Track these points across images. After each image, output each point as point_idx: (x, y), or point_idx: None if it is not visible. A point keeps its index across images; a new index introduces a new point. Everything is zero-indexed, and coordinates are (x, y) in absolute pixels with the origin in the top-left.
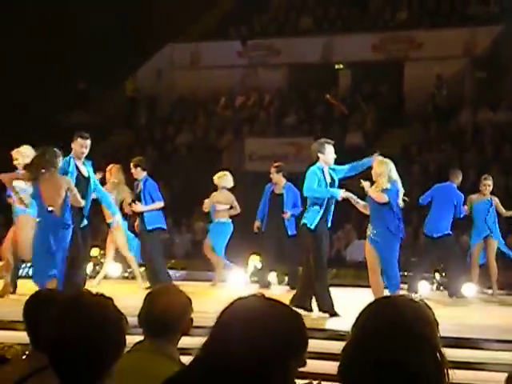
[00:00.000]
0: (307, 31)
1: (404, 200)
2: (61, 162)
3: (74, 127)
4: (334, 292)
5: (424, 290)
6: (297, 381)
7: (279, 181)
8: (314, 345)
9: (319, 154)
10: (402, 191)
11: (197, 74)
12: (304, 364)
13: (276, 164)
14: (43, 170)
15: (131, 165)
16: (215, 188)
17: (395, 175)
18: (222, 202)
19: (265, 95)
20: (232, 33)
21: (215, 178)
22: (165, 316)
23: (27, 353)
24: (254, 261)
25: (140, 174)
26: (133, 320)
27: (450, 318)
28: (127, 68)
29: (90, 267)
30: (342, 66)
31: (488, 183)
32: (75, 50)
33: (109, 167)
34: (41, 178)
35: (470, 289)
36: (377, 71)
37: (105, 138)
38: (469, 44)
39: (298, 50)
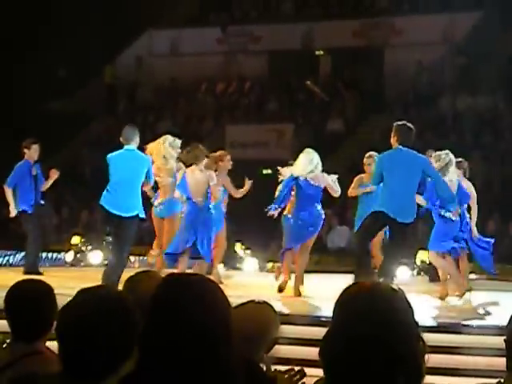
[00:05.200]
0: (288, 17)
1: None
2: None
3: (54, 115)
4: (316, 278)
5: (404, 275)
6: (279, 367)
7: None
8: (296, 331)
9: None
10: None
11: (177, 60)
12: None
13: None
14: None
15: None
16: None
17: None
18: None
19: (246, 82)
20: (212, 19)
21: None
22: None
23: (8, 341)
24: (237, 248)
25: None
26: None
27: (429, 303)
28: (107, 55)
29: (71, 255)
30: (322, 53)
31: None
32: (54, 37)
33: None
34: None
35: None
36: (357, 58)
37: (85, 125)
38: (449, 30)
39: (278, 36)
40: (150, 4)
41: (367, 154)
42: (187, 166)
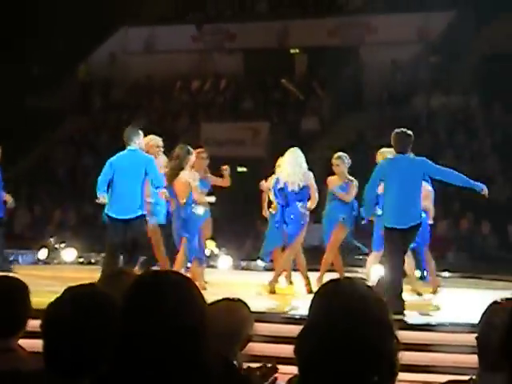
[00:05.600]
0: (263, 16)
1: None
2: None
3: (28, 113)
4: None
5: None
6: (252, 364)
7: None
8: (270, 329)
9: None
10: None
11: (152, 58)
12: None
13: None
14: None
15: None
16: None
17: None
18: None
19: (221, 80)
20: (187, 17)
21: None
22: None
23: None
24: (211, 246)
25: None
26: None
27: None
28: (81, 53)
29: (44, 253)
30: (297, 51)
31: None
32: (28, 35)
33: None
34: None
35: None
36: (332, 56)
37: (59, 123)
38: (423, 29)
39: (253, 34)
40: (124, 1)
41: (335, 155)
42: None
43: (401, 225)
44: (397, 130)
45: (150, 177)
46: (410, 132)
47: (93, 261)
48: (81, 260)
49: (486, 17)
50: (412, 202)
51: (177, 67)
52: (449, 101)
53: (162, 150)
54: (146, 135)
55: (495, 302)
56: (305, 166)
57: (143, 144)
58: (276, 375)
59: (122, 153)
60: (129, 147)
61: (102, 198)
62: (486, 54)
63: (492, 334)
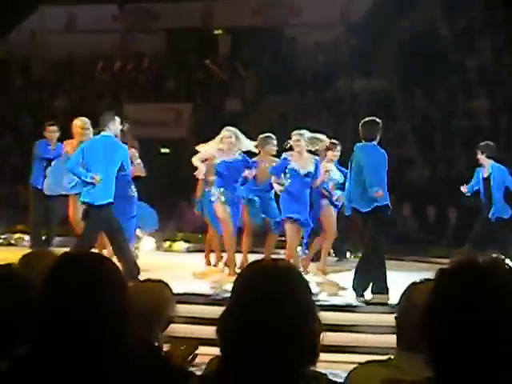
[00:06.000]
0: None
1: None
2: None
3: None
4: (213, 257)
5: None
6: (173, 345)
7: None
8: (193, 310)
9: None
10: None
11: (73, 37)
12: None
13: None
14: None
15: None
16: None
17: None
18: None
19: (143, 60)
20: None
21: None
22: None
23: None
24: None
25: None
26: None
27: (322, 282)
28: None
29: None
30: (221, 32)
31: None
32: None
33: None
34: None
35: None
36: (256, 37)
37: None
38: (345, 11)
39: (176, 14)
40: None
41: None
42: None
43: (364, 208)
44: (365, 119)
45: (125, 166)
46: (377, 120)
47: (12, 242)
48: (0, 241)
49: (407, 1)
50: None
51: (98, 47)
52: (370, 84)
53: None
54: (66, 116)
55: (415, 283)
56: None
57: (118, 130)
58: (197, 356)
59: (95, 137)
60: (103, 133)
61: (97, 176)
62: (407, 39)
63: (412, 314)
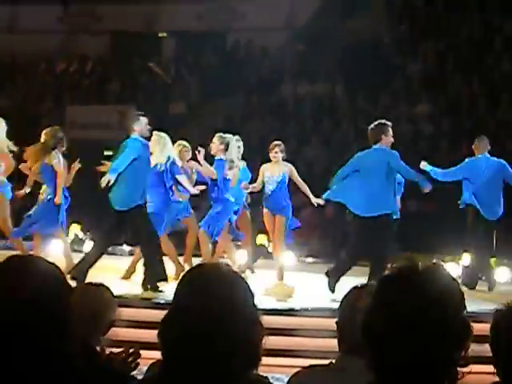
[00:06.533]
0: None
1: None
2: None
3: None
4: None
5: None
6: (114, 349)
7: None
8: (134, 313)
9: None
10: None
11: (15, 37)
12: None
13: None
14: None
15: None
16: None
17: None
18: None
19: (87, 62)
20: None
21: None
22: None
23: None
24: (75, 230)
25: None
26: None
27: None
28: None
29: None
30: (165, 35)
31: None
32: None
33: None
34: None
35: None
36: (201, 41)
37: None
38: (290, 16)
39: (121, 17)
40: None
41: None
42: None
43: (371, 212)
44: (375, 123)
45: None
46: (386, 122)
47: None
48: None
49: (351, 7)
50: (379, 192)
51: (41, 48)
52: (314, 89)
53: None
54: (7, 117)
55: (355, 287)
56: None
57: (145, 130)
58: (138, 360)
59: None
60: (132, 136)
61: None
62: (350, 44)
63: (353, 318)
